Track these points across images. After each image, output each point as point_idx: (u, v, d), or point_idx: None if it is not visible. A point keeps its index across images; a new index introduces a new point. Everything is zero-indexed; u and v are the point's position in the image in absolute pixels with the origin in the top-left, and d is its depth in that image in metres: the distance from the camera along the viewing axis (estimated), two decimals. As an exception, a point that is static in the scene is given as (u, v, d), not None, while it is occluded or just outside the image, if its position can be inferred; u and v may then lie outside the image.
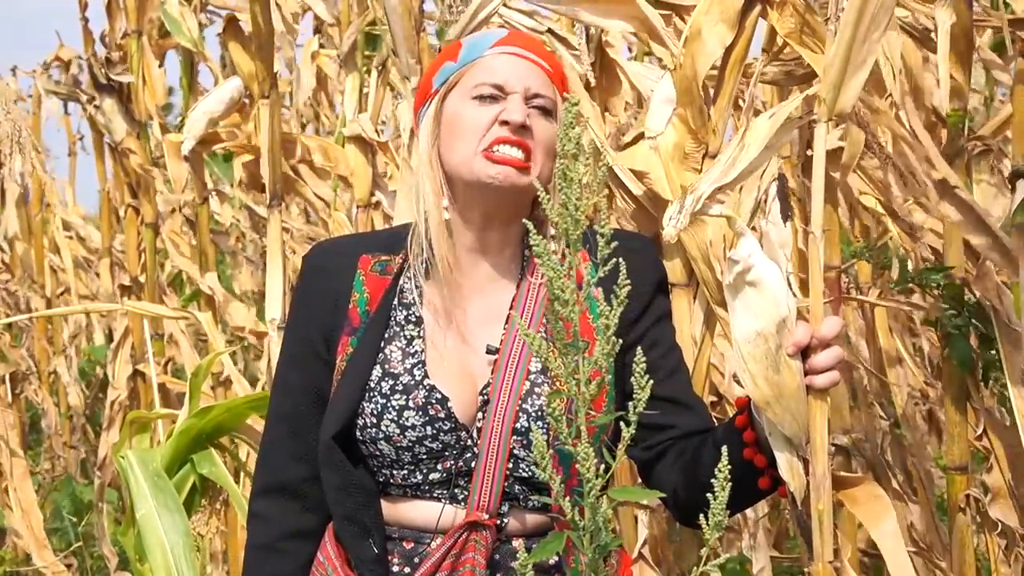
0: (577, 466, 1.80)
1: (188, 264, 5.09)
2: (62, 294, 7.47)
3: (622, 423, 1.87)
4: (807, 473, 2.12)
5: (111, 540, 5.35)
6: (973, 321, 2.98)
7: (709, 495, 1.90)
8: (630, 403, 1.86)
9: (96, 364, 7.91)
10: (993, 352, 2.98)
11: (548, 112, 2.18)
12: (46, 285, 7.35)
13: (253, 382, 5.43)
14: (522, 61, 2.19)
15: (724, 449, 1.90)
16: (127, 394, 5.34)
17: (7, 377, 6.46)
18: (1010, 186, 2.93)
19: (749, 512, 3.54)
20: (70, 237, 7.55)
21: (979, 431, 3.13)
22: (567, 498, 1.81)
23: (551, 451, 1.84)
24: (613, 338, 1.84)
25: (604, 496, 1.83)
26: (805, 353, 2.08)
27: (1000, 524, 3.10)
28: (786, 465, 2.10)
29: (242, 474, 3.74)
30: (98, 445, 5.69)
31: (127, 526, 3.29)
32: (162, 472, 3.22)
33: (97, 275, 7.20)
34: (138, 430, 3.46)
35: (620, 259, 1.87)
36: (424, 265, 2.21)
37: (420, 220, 2.19)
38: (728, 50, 2.42)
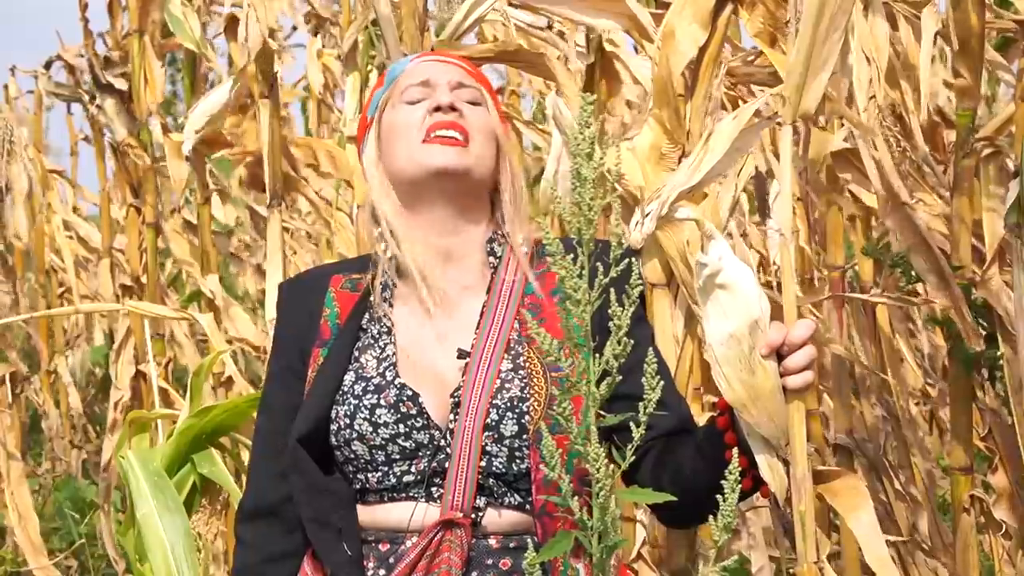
0: (587, 466, 1.79)
1: (190, 261, 5.09)
2: (62, 294, 7.46)
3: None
4: (788, 474, 2.11)
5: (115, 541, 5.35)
6: (979, 320, 2.97)
7: (695, 497, 1.90)
8: (641, 404, 1.85)
9: (96, 364, 7.91)
10: (998, 352, 2.97)
11: (476, 103, 2.22)
12: (46, 285, 7.35)
13: (255, 382, 5.42)
14: (442, 63, 2.26)
15: (734, 453, 1.90)
16: (130, 395, 5.34)
17: (7, 377, 6.46)
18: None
19: (749, 513, 3.53)
20: (70, 237, 7.54)
21: (984, 432, 3.13)
22: (575, 497, 1.81)
23: (539, 446, 1.84)
24: (624, 339, 1.83)
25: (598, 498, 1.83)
26: (782, 355, 2.08)
27: (1005, 525, 3.09)
28: (766, 466, 2.10)
29: (242, 474, 3.73)
30: (99, 445, 5.68)
31: (127, 526, 3.29)
32: (162, 472, 3.21)
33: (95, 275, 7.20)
34: (138, 430, 3.46)
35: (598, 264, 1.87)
36: (393, 283, 2.23)
37: (387, 233, 2.22)
38: (702, 50, 2.41)
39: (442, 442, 2.15)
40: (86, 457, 7.16)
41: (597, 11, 2.61)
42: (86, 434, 7.31)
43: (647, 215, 2.33)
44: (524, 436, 2.11)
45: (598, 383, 1.83)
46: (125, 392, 5.36)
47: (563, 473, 1.82)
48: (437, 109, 2.19)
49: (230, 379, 4.74)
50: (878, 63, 3.03)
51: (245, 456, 3.78)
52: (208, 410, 3.31)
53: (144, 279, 5.23)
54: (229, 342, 4.56)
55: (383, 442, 2.15)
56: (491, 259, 2.24)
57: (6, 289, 7.19)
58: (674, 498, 1.95)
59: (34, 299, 7.66)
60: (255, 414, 2.37)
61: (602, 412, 1.84)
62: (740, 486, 2.11)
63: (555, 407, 1.83)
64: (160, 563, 3.10)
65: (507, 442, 2.12)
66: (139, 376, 5.32)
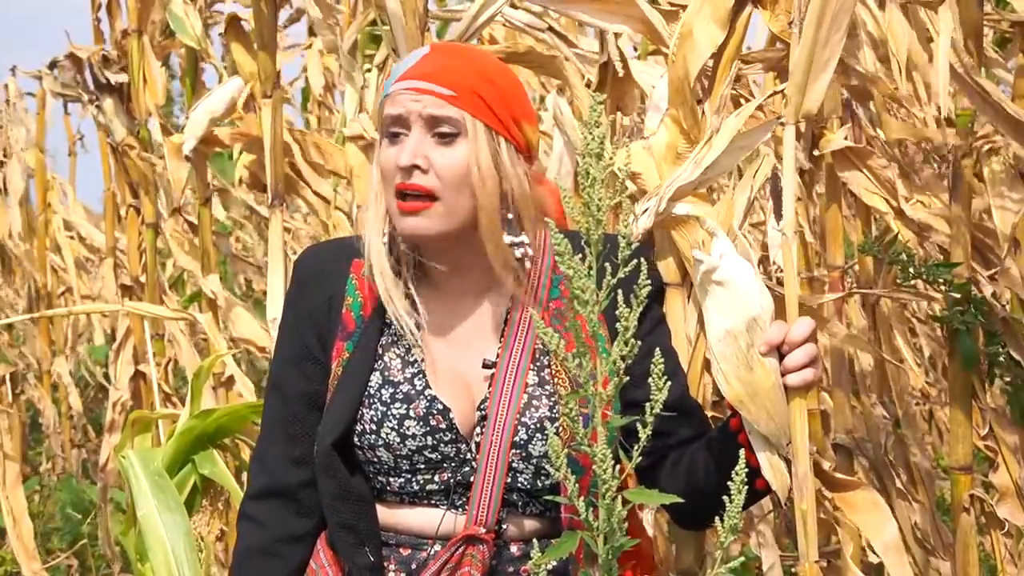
0: (593, 467, 1.78)
1: (191, 263, 5.08)
2: (63, 294, 7.47)
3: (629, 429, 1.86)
4: (790, 472, 2.11)
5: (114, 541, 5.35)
6: (979, 317, 2.96)
7: (709, 499, 1.90)
8: (647, 404, 1.85)
9: (96, 364, 7.91)
10: (1002, 347, 2.97)
11: (453, 136, 2.13)
12: (47, 285, 7.35)
13: (257, 383, 5.43)
14: (419, 93, 2.13)
15: (741, 453, 1.90)
16: (129, 395, 5.34)
17: (7, 377, 6.46)
18: None
19: (755, 509, 3.53)
20: (71, 237, 7.55)
21: (984, 431, 3.13)
22: (581, 498, 1.81)
23: (565, 450, 1.83)
24: (632, 341, 1.83)
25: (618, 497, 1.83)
26: (784, 353, 2.08)
27: (1007, 524, 3.09)
28: (767, 464, 2.10)
29: (244, 474, 3.73)
30: (99, 445, 5.69)
31: (128, 526, 3.29)
32: (163, 472, 3.21)
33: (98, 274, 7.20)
34: (139, 430, 3.46)
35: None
36: (419, 273, 2.21)
37: (364, 252, 2.19)
38: (719, 50, 2.42)
39: (468, 455, 2.14)
40: (86, 457, 7.17)
41: (610, 14, 2.60)
42: (86, 434, 7.31)
43: (644, 211, 2.34)
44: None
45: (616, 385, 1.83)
46: (124, 392, 5.36)
47: (568, 473, 1.81)
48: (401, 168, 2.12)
49: (230, 379, 4.74)
50: (898, 57, 3.03)
51: (246, 456, 3.79)
52: (209, 413, 3.32)
53: (144, 279, 5.24)
54: (233, 342, 4.55)
55: (410, 453, 2.14)
56: (514, 262, 2.20)
57: (5, 289, 7.20)
58: (680, 499, 1.93)
59: (34, 299, 7.66)
60: (263, 399, 2.33)
61: (608, 413, 1.84)
62: (755, 486, 2.12)
63: (563, 407, 1.83)
64: (161, 563, 3.10)
65: (535, 461, 2.12)
66: (138, 376, 5.33)
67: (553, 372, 2.15)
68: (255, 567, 2.26)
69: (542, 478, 2.12)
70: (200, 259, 4.82)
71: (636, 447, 1.84)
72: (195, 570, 3.12)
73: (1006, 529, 3.10)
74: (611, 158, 1.85)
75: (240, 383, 4.48)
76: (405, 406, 2.14)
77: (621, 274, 1.83)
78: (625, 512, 1.80)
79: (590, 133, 1.82)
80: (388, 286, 2.16)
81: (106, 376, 6.01)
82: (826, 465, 2.41)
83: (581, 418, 1.85)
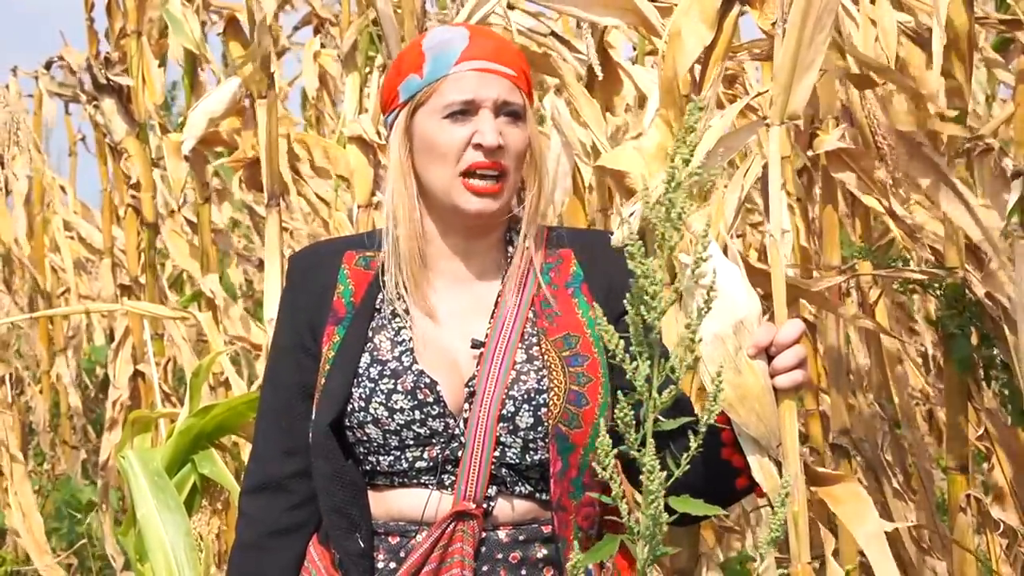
0: (642, 477, 1.76)
1: (190, 263, 5.09)
2: (62, 294, 7.46)
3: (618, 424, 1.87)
4: (780, 475, 2.11)
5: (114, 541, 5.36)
6: (973, 321, 2.97)
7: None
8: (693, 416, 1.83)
9: (96, 364, 7.91)
10: (995, 351, 2.98)
11: (518, 116, 2.19)
12: (46, 285, 7.35)
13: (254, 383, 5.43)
14: (489, 75, 2.19)
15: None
16: (128, 394, 5.34)
17: (8, 378, 6.46)
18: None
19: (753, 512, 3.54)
20: (71, 237, 7.55)
21: (979, 431, 3.14)
22: (624, 500, 1.80)
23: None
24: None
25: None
26: (772, 355, 2.07)
27: (1002, 524, 3.10)
28: (758, 466, 2.09)
29: (243, 474, 3.74)
30: (99, 446, 5.69)
31: (128, 526, 3.29)
32: (163, 472, 3.22)
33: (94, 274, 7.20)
34: (140, 430, 3.47)
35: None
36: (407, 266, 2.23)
37: (391, 230, 2.21)
38: (708, 50, 2.42)
39: (456, 430, 2.15)
40: (85, 457, 7.16)
41: (604, 8, 2.60)
42: (86, 434, 7.31)
43: (631, 215, 2.34)
44: (539, 428, 2.12)
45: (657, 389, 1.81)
46: (123, 391, 5.36)
47: (614, 474, 1.80)
48: (479, 146, 2.15)
49: (229, 379, 4.74)
50: (887, 52, 3.03)
51: (245, 456, 3.79)
52: (208, 409, 3.32)
53: (143, 279, 5.24)
54: (230, 342, 4.56)
55: (398, 428, 2.15)
56: (508, 248, 2.25)
57: (4, 290, 7.19)
58: (723, 511, 1.93)
59: (34, 299, 7.66)
60: (259, 393, 2.35)
61: (660, 417, 1.83)
62: (735, 485, 2.13)
63: (617, 415, 1.81)
64: (161, 563, 3.11)
65: (522, 434, 2.13)
66: (137, 375, 5.33)
67: (542, 350, 2.17)
68: (248, 562, 2.28)
69: (530, 453, 2.14)
70: (199, 259, 4.82)
71: (684, 456, 1.82)
72: (195, 570, 3.13)
73: (1001, 529, 3.11)
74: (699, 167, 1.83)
75: (234, 384, 4.49)
76: (393, 381, 2.16)
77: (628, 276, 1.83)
78: (668, 520, 1.79)
79: (683, 139, 1.79)
80: (414, 269, 2.19)
81: (107, 376, 6.01)
82: (809, 460, 2.41)
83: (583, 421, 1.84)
